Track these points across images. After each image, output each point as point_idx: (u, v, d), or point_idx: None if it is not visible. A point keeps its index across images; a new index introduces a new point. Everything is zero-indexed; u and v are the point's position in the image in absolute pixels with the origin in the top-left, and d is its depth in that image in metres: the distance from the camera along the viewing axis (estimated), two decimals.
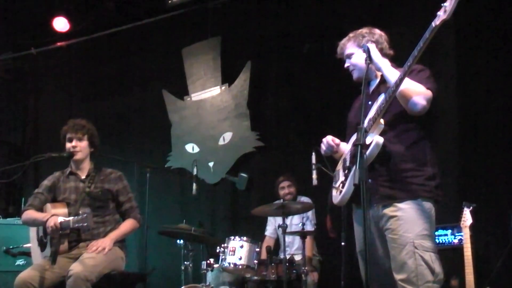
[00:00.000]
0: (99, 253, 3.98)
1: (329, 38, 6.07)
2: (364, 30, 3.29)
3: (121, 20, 7.32)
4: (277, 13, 6.75)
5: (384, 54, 3.20)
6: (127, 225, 4.33)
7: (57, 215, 3.97)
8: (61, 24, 7.53)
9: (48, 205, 4.19)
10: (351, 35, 3.32)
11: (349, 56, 3.30)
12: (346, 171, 3.19)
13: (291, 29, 6.59)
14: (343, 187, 3.18)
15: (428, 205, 3.02)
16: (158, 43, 7.49)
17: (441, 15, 2.64)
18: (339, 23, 6.10)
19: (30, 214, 4.18)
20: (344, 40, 3.34)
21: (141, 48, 7.60)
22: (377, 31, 3.28)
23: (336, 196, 3.26)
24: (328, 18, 6.28)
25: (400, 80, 2.87)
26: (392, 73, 3.01)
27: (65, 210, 4.12)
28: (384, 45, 3.24)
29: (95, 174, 4.33)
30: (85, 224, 3.78)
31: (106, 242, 4.08)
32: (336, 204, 3.28)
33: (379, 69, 3.13)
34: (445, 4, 2.61)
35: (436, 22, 2.66)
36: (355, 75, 3.29)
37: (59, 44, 7.71)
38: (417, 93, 2.94)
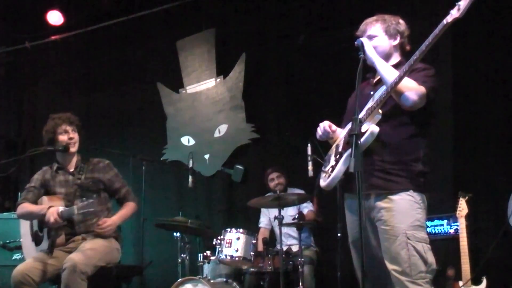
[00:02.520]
0: (104, 229, 4.06)
1: (325, 29, 6.18)
2: (393, 19, 3.24)
3: (115, 13, 7.29)
4: (271, 4, 6.72)
5: (402, 49, 3.22)
6: (129, 208, 4.36)
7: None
8: (55, 17, 7.52)
9: (45, 198, 4.16)
10: (379, 17, 3.26)
11: (371, 37, 3.21)
12: (337, 156, 3.18)
13: (286, 20, 6.56)
14: (332, 171, 3.17)
15: (420, 196, 3.03)
16: (152, 36, 7.45)
17: (454, 14, 2.66)
18: (335, 14, 6.10)
19: (26, 207, 4.14)
20: (371, 19, 3.27)
21: (136, 41, 7.56)
22: (404, 24, 3.25)
23: (325, 179, 3.24)
24: (323, 8, 6.26)
25: (404, 73, 2.87)
26: (386, 70, 3.02)
27: (62, 203, 4.10)
28: (405, 40, 3.24)
29: (84, 165, 4.31)
30: (92, 209, 3.81)
31: (115, 222, 4.17)
32: (323, 187, 3.26)
33: (372, 64, 3.11)
34: (459, 3, 2.63)
35: (448, 19, 2.68)
36: None
37: (53, 37, 7.68)
38: (409, 88, 2.94)
